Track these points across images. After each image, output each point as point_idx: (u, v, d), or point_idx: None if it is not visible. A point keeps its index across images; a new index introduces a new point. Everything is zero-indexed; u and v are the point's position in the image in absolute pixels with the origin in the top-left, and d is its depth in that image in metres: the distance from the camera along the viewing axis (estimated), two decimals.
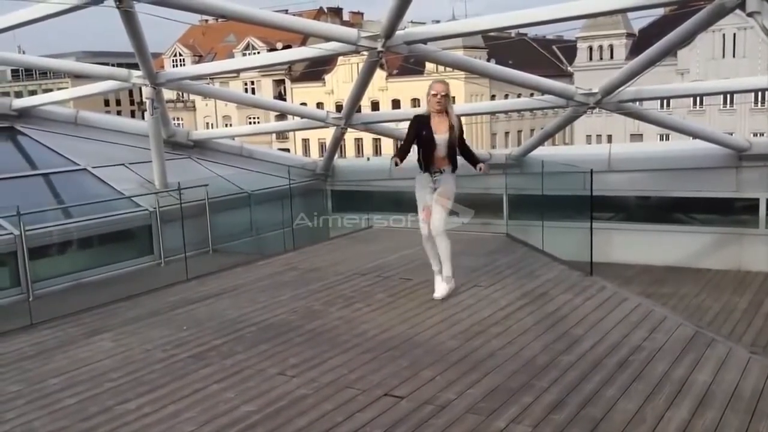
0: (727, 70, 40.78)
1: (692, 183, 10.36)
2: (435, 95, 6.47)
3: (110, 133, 12.10)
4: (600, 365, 4.96)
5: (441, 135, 6.51)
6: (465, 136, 6.85)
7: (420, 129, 6.54)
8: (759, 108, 44.67)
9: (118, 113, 66.90)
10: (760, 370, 4.82)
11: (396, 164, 6.33)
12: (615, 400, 4.41)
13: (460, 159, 6.75)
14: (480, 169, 6.59)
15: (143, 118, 14.60)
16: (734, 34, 44.10)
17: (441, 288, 6.76)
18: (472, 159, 6.77)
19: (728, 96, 41.75)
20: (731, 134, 12.20)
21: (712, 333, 5.76)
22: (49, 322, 6.74)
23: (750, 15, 6.86)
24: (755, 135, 33.13)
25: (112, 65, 15.85)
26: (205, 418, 4.39)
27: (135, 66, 10.56)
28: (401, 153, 6.51)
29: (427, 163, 6.58)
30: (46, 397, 4.89)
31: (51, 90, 42.76)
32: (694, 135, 10.64)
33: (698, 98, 43.08)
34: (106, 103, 76.27)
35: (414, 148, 6.64)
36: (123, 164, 11.37)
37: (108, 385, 5.02)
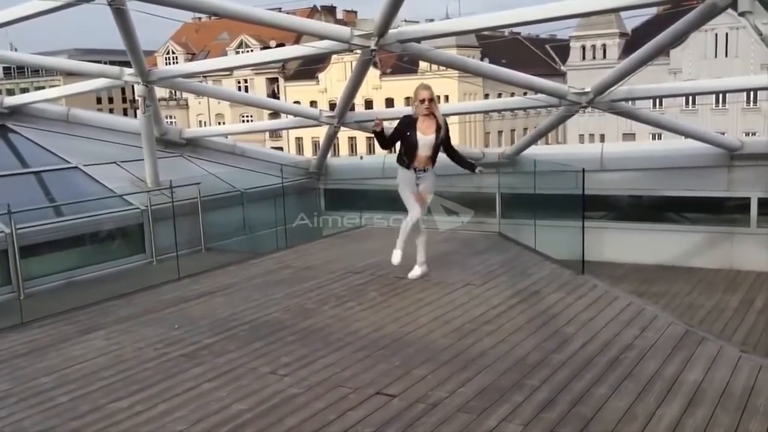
0: (720, 69, 40.89)
1: (684, 182, 10.41)
2: (423, 102, 6.81)
3: (102, 131, 12.07)
4: (591, 364, 4.98)
5: (428, 136, 6.89)
6: (456, 137, 6.99)
7: (405, 129, 6.95)
8: (751, 108, 44.81)
9: (111, 111, 66.73)
10: (750, 369, 4.84)
11: (376, 123, 7.02)
12: (606, 398, 4.43)
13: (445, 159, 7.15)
14: (480, 171, 7.15)
15: (135, 116, 14.56)
16: (726, 34, 44.22)
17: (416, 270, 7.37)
18: (464, 162, 7.17)
19: (721, 95, 41.85)
20: (723, 134, 12.26)
21: (703, 332, 5.78)
22: (40, 321, 6.71)
23: (741, 15, 6.89)
24: (747, 134, 33.24)
25: (105, 63, 15.80)
26: (197, 416, 4.39)
27: (127, 64, 10.53)
28: (384, 139, 7.10)
29: (410, 161, 6.98)
30: (37, 396, 4.87)
31: (43, 88, 42.61)
32: (687, 134, 10.69)
33: (691, 98, 43.10)
34: (99, 101, 75.92)
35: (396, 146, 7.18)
36: (115, 162, 11.35)
37: (100, 384, 5.00)
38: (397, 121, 7.18)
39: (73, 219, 9.66)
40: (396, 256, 7.35)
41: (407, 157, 6.98)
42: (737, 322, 7.93)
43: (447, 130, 6.98)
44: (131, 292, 7.57)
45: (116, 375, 5.16)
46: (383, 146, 7.25)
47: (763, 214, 10.00)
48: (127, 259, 10.08)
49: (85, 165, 10.94)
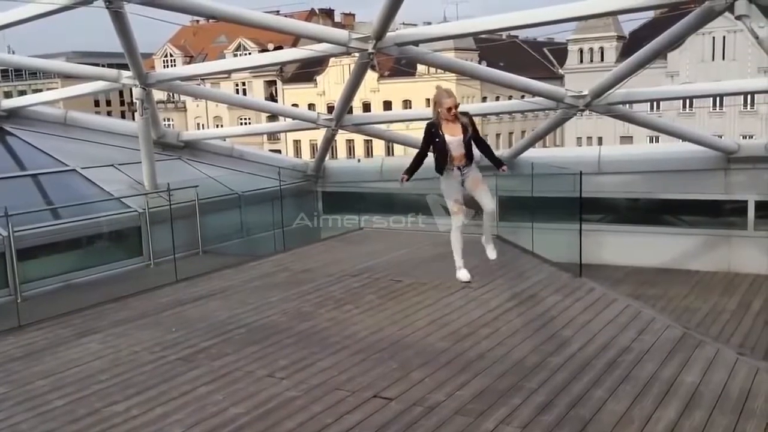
0: (717, 72, 40.98)
1: (681, 185, 10.41)
2: (450, 110, 6.84)
3: (100, 134, 12.04)
4: (589, 366, 4.97)
5: (455, 137, 6.93)
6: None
7: (433, 136, 6.97)
8: (748, 111, 44.88)
9: (108, 114, 66.59)
10: (747, 371, 4.85)
11: (402, 181, 6.93)
12: (603, 401, 4.43)
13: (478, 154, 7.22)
14: (503, 170, 7.16)
15: (133, 118, 14.54)
16: (724, 37, 44.30)
17: (490, 252, 7.45)
18: (494, 158, 7.23)
19: (718, 98, 41.96)
20: (721, 137, 12.27)
21: (700, 334, 5.79)
22: (37, 324, 6.70)
23: (738, 18, 6.90)
24: (744, 137, 33.27)
25: (102, 66, 15.81)
26: (194, 420, 4.38)
27: (125, 66, 10.51)
28: (414, 163, 7.02)
29: (445, 163, 6.97)
30: (33, 399, 4.86)
31: (41, 90, 42.49)
32: (684, 137, 10.69)
33: (688, 101, 43.25)
34: (96, 103, 75.87)
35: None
36: (112, 165, 11.32)
37: (96, 387, 5.00)
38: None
39: (70, 222, 9.63)
40: (463, 275, 7.25)
41: (442, 161, 6.97)
42: (734, 324, 7.92)
43: (474, 128, 7.04)
44: (128, 295, 7.57)
45: (113, 378, 5.15)
46: (423, 159, 7.13)
47: (760, 216, 10.00)
48: (125, 262, 10.06)
49: (82, 168, 10.92)
